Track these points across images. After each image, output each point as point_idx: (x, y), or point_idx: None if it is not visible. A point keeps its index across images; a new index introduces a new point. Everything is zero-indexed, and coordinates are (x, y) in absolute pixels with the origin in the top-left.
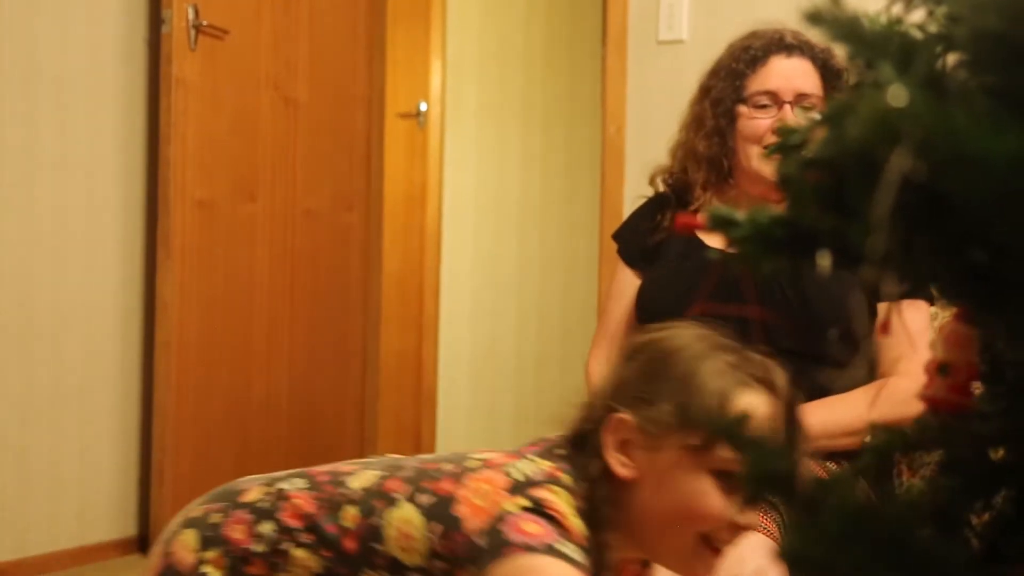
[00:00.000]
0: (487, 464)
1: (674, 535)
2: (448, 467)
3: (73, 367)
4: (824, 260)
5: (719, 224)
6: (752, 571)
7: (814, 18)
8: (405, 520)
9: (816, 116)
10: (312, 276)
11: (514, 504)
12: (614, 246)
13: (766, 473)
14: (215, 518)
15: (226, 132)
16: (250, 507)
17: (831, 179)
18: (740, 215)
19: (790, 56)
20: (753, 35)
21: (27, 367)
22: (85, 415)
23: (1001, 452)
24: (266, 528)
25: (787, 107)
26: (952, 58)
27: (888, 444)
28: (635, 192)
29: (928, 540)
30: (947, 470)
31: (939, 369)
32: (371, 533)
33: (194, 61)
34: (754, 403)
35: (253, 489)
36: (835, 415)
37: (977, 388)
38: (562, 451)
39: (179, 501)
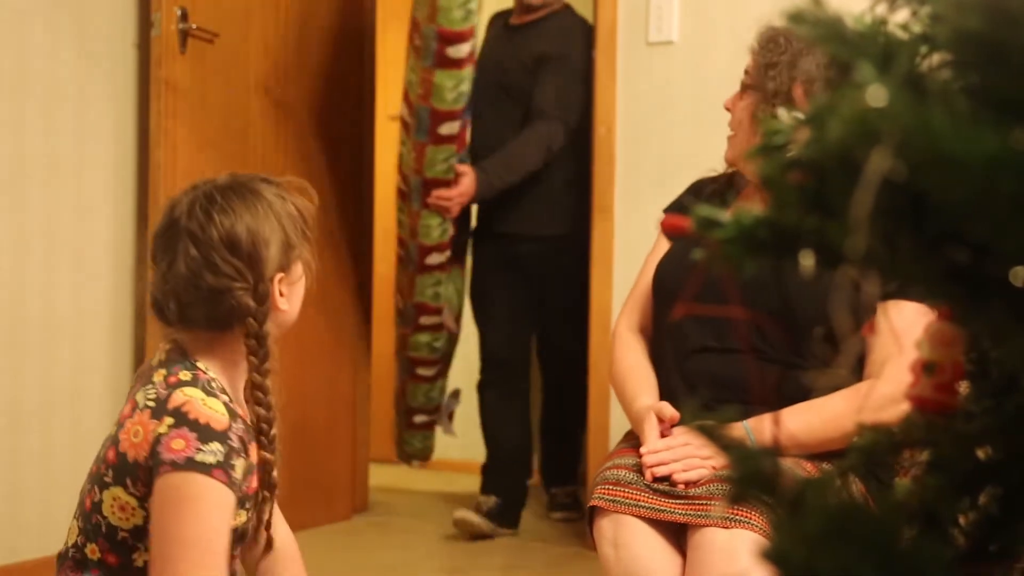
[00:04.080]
0: (123, 415)
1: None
2: (107, 442)
3: (64, 373)
4: (807, 260)
5: (703, 225)
6: (740, 570)
7: (796, 18)
8: (111, 502)
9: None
10: None
11: (164, 425)
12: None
13: (750, 474)
14: None
15: (216, 135)
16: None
17: (814, 180)
18: (724, 216)
19: None
20: None
21: (17, 374)
22: (76, 421)
23: (987, 450)
24: None
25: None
26: (936, 58)
27: (874, 444)
28: (626, 192)
29: (911, 539)
30: (934, 469)
31: (925, 368)
32: (111, 542)
33: (184, 64)
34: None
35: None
36: (815, 421)
37: (963, 387)
38: (189, 347)
39: None
